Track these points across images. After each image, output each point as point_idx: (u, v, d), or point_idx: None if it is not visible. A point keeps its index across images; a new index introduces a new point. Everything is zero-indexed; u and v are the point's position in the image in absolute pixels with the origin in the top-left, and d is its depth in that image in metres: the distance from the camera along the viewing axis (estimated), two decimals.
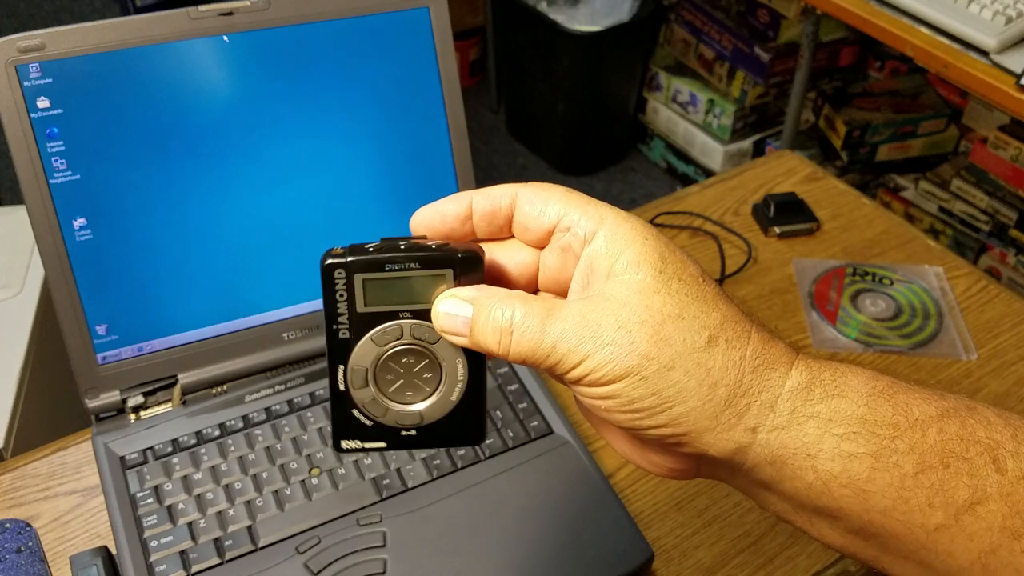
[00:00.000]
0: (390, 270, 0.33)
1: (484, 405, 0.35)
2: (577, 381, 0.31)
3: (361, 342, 0.33)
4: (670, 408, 0.30)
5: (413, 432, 0.34)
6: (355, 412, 0.34)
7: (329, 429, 0.59)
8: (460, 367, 0.34)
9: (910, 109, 1.75)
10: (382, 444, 0.34)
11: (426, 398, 0.34)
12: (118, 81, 0.56)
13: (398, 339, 0.33)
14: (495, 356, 0.32)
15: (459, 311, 0.32)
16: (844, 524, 0.30)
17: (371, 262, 0.32)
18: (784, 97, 1.91)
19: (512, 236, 0.35)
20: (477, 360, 0.34)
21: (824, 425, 0.29)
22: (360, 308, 0.33)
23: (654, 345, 0.29)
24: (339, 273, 0.33)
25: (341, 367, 0.33)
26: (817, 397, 0.30)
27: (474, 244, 0.34)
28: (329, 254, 0.33)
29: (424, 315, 0.33)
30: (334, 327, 0.33)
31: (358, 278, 0.33)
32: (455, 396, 0.34)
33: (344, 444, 0.34)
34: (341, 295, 0.33)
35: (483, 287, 0.33)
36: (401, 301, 0.33)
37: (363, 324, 0.33)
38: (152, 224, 0.58)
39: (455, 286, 0.33)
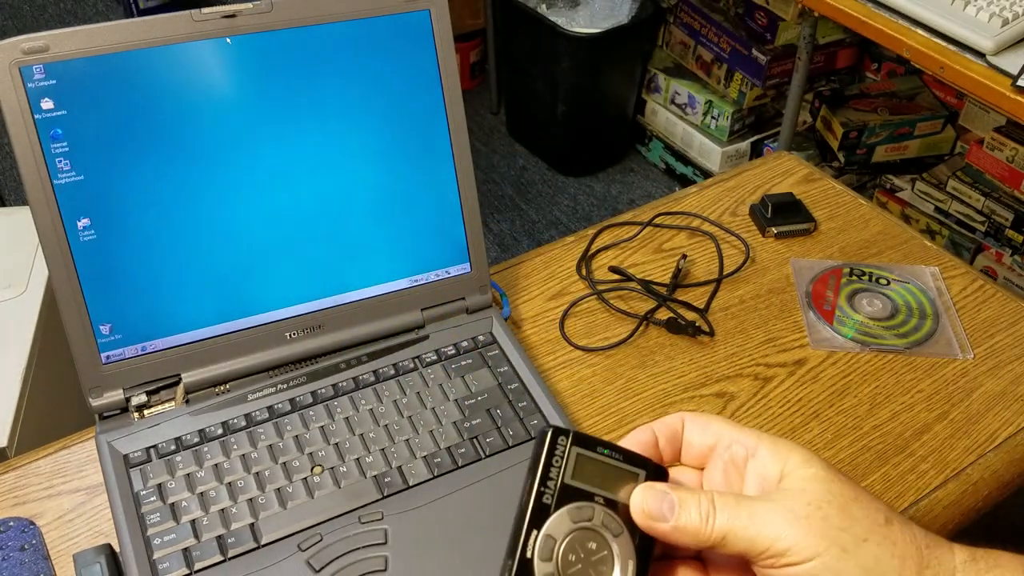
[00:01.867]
0: (600, 452, 0.36)
1: None
2: (779, 558, 0.33)
3: (559, 512, 0.35)
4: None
5: None
6: None
7: (331, 427, 0.60)
8: (631, 569, 0.35)
9: (907, 110, 1.76)
10: None
11: None
12: (122, 83, 0.56)
13: (588, 520, 0.35)
14: (694, 539, 0.34)
15: (665, 494, 0.35)
16: None
17: (588, 439, 0.36)
18: (782, 99, 1.91)
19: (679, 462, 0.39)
20: (643, 568, 0.36)
21: None
22: (568, 479, 0.35)
23: (846, 519, 0.33)
24: (562, 440, 0.35)
25: (535, 532, 0.34)
26: (983, 568, 0.34)
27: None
28: (556, 426, 0.36)
29: (614, 506, 0.36)
30: (541, 490, 0.35)
31: (574, 450, 0.36)
32: None
33: None
34: (557, 461, 0.35)
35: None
36: (599, 486, 0.36)
37: (566, 495, 0.35)
38: (155, 224, 0.58)
39: None
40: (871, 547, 0.33)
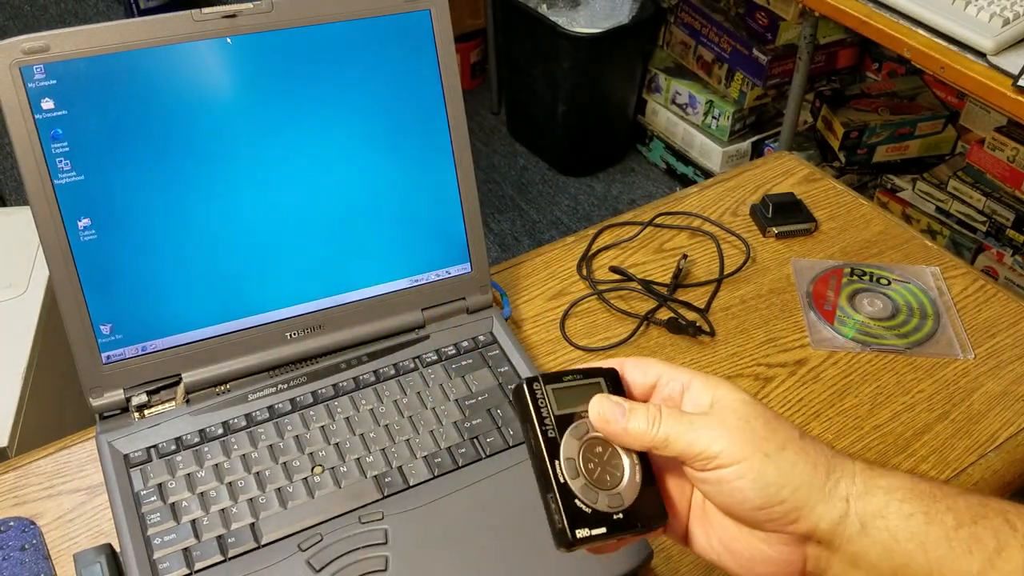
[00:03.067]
0: (566, 380, 0.42)
1: (657, 485, 0.41)
2: (711, 460, 0.38)
3: (565, 437, 0.40)
4: (790, 482, 0.38)
5: (620, 515, 0.39)
6: (577, 502, 0.39)
7: (331, 427, 0.60)
8: (634, 456, 0.41)
9: (907, 110, 1.76)
10: (603, 530, 0.39)
11: (620, 482, 0.40)
12: (122, 83, 0.56)
13: (587, 432, 0.41)
14: (640, 441, 0.40)
15: (618, 404, 0.41)
16: None
17: (553, 375, 0.42)
18: (782, 98, 1.91)
19: None
20: (641, 452, 0.41)
21: (887, 493, 0.38)
22: (556, 411, 0.41)
23: (769, 431, 0.39)
24: (536, 385, 0.41)
25: (556, 461, 0.40)
26: (877, 474, 0.39)
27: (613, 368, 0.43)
28: (525, 378, 0.42)
29: None
30: (543, 428, 0.40)
31: (549, 387, 0.42)
32: (639, 477, 0.41)
33: (579, 533, 0.38)
34: (541, 401, 0.41)
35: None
36: (579, 404, 0.41)
37: (561, 423, 0.41)
38: (156, 224, 0.58)
39: (611, 391, 0.42)
40: (788, 454, 0.38)
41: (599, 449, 0.41)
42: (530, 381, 0.41)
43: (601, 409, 0.41)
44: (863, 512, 0.38)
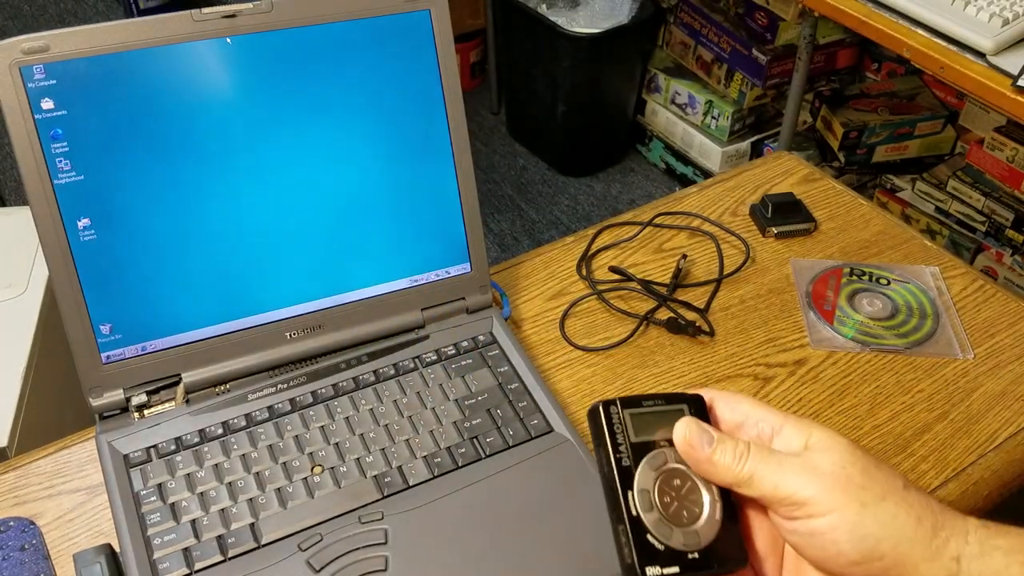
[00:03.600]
0: (646, 405, 0.40)
1: (739, 524, 0.39)
2: (798, 507, 0.35)
3: (641, 466, 0.38)
4: (890, 536, 0.34)
5: (695, 555, 0.37)
6: (649, 537, 0.37)
7: (331, 427, 0.60)
8: (715, 488, 0.39)
9: (907, 110, 1.76)
10: (675, 569, 0.37)
11: (697, 519, 0.38)
12: (122, 83, 0.56)
13: (665, 463, 0.39)
14: (725, 473, 0.37)
15: (705, 430, 0.38)
16: None
17: (631, 399, 0.40)
18: (782, 99, 1.91)
19: None
20: (723, 489, 0.39)
21: (1008, 555, 0.35)
22: (633, 438, 0.39)
23: (867, 480, 0.35)
24: (613, 408, 0.40)
25: (629, 492, 0.38)
26: (995, 534, 0.35)
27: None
28: (599, 401, 0.40)
29: None
30: (617, 456, 0.38)
31: (626, 412, 0.40)
32: (719, 515, 0.38)
33: (649, 572, 0.36)
34: (617, 427, 0.39)
35: None
36: (659, 432, 0.39)
37: (638, 451, 0.39)
38: (155, 224, 0.58)
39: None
40: (889, 505, 0.35)
41: (677, 482, 0.39)
42: (607, 404, 0.39)
43: (687, 432, 0.38)
44: (977, 575, 0.34)
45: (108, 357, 0.59)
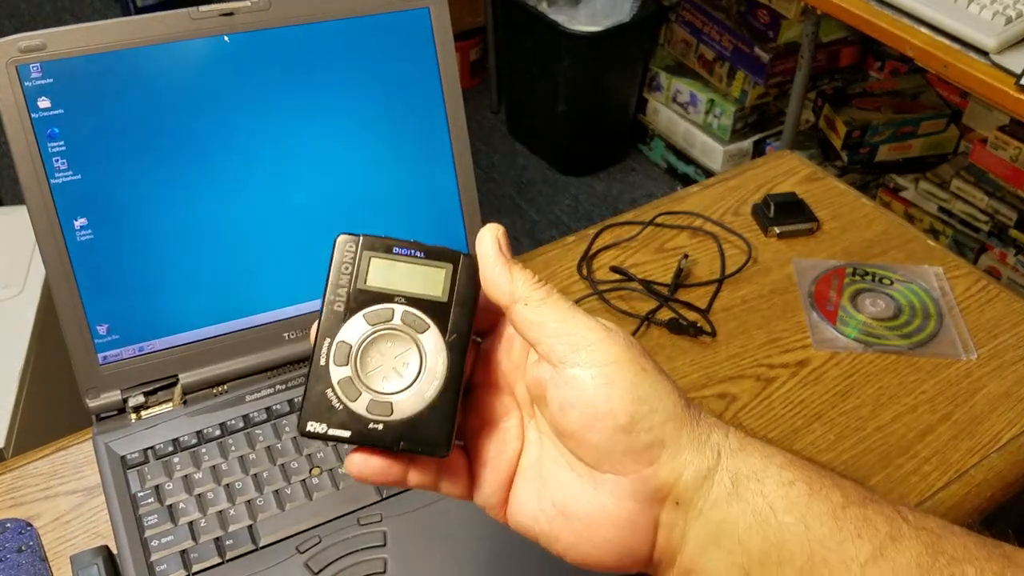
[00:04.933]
0: (397, 253, 0.35)
1: (455, 414, 0.34)
2: (582, 350, 0.32)
3: (353, 318, 0.34)
4: (662, 408, 0.32)
5: (380, 426, 0.33)
6: (329, 392, 0.33)
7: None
8: (441, 364, 0.34)
9: (910, 109, 1.76)
10: (346, 433, 0.33)
11: (402, 390, 0.34)
12: (119, 81, 0.56)
13: (387, 321, 0.34)
14: (524, 288, 0.34)
15: (504, 253, 0.35)
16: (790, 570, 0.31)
17: (381, 242, 0.35)
18: (784, 97, 1.91)
19: None
20: (457, 361, 0.35)
21: (765, 457, 0.32)
22: (360, 284, 0.34)
23: (646, 357, 0.33)
24: (349, 246, 0.34)
25: (328, 340, 0.34)
26: (751, 437, 0.33)
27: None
28: (346, 232, 0.35)
29: (418, 303, 0.35)
30: (332, 299, 0.34)
31: (366, 255, 0.34)
32: (430, 393, 0.34)
33: (310, 426, 0.33)
34: (346, 268, 0.34)
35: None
36: (400, 286, 0.34)
37: (360, 301, 0.34)
38: (153, 224, 0.58)
39: (452, 284, 0.35)
40: (665, 381, 0.33)
41: (393, 346, 0.34)
42: (349, 237, 0.35)
43: (499, 234, 0.35)
44: (736, 471, 0.32)
45: (105, 358, 0.59)
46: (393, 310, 0.34)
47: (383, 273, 0.35)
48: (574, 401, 0.32)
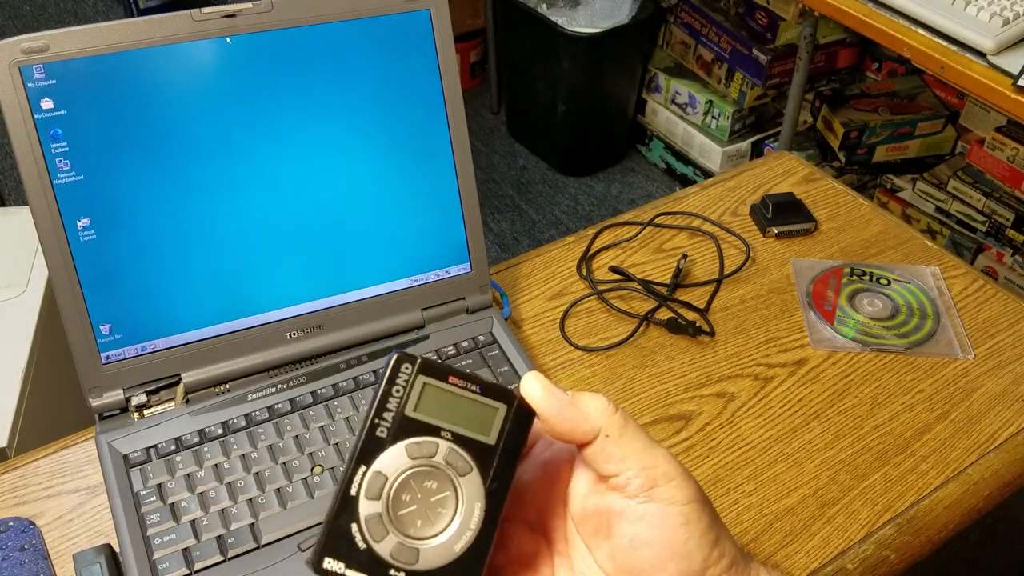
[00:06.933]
0: (453, 384, 0.32)
1: (482, 572, 0.32)
2: (659, 483, 0.31)
3: (395, 446, 0.31)
4: (724, 547, 0.32)
5: (401, 574, 0.31)
6: (354, 528, 0.31)
7: (331, 427, 0.59)
8: (477, 513, 0.32)
9: (907, 110, 1.76)
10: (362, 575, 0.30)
11: (428, 538, 0.31)
12: (121, 82, 0.56)
13: (430, 457, 0.32)
14: (600, 417, 0.32)
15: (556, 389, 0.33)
16: None
17: (439, 368, 0.32)
18: (782, 98, 1.91)
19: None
20: (495, 512, 0.32)
21: None
22: (409, 411, 0.32)
23: (702, 490, 0.32)
24: (406, 367, 0.32)
25: (363, 468, 0.31)
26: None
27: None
28: (403, 349, 0.33)
29: (465, 443, 0.32)
30: (375, 422, 0.32)
31: (420, 379, 0.32)
32: (460, 546, 0.31)
33: (327, 563, 0.30)
34: (397, 391, 0.32)
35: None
36: (449, 420, 0.32)
37: (405, 429, 0.32)
38: (155, 224, 0.58)
39: (503, 427, 0.32)
40: (721, 525, 0.33)
41: (431, 484, 0.31)
42: (404, 358, 0.32)
43: (541, 383, 0.32)
44: None
45: (108, 357, 0.59)
46: (438, 445, 0.32)
47: (435, 403, 0.32)
48: (649, 539, 0.31)
